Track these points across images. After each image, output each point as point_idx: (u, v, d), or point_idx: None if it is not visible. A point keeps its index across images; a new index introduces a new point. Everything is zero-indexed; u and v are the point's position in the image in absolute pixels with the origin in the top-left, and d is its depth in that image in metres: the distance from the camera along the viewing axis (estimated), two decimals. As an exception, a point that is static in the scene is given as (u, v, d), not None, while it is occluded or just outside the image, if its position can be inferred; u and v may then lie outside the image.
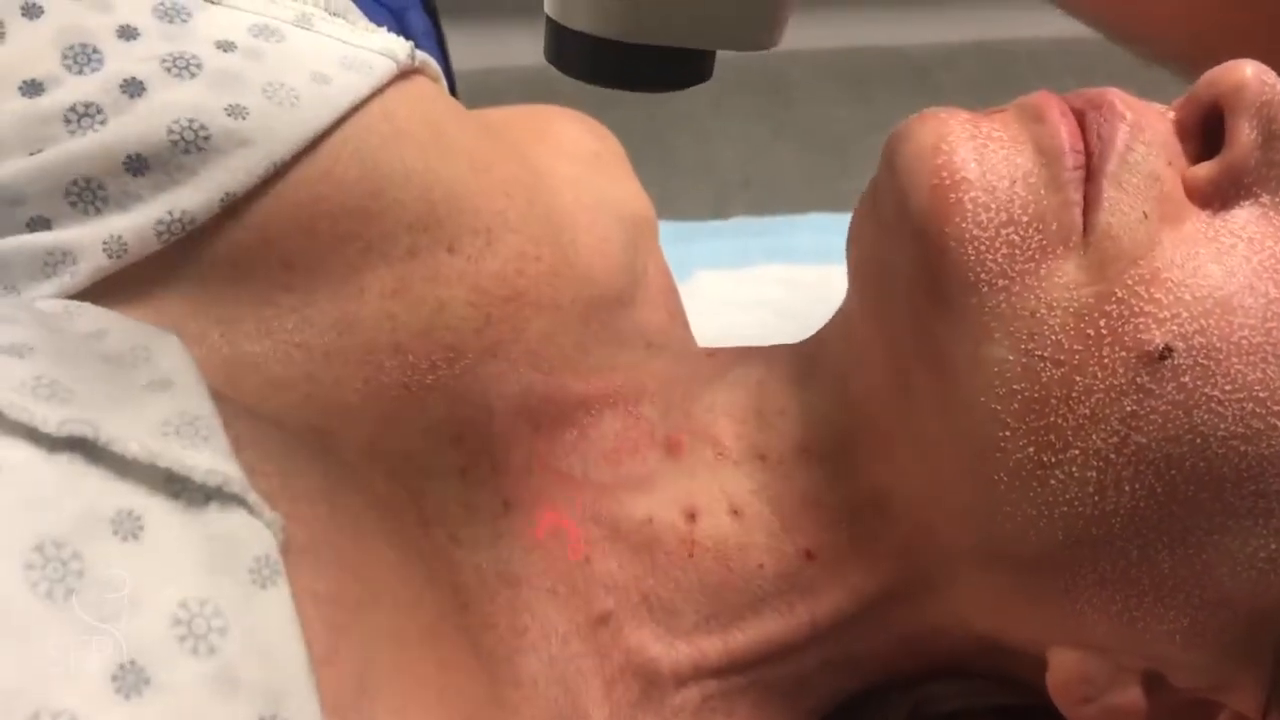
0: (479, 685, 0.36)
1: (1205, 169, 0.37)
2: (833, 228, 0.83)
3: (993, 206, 0.36)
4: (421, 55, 0.45)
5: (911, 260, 0.37)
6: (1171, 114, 0.39)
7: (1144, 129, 0.37)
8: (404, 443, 0.40)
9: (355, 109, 0.41)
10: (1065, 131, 0.37)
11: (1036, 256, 0.36)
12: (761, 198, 1.65)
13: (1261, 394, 0.34)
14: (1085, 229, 0.36)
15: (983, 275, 0.36)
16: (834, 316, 0.44)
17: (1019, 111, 0.38)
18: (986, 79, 1.83)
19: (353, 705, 0.31)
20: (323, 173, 0.40)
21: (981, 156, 0.37)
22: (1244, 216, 0.36)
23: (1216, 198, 0.37)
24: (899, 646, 0.42)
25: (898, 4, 1.91)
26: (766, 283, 0.76)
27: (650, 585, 0.41)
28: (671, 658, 0.41)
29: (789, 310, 0.72)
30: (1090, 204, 0.36)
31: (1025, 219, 0.36)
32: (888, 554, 0.40)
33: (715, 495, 0.41)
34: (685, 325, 0.53)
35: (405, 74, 0.44)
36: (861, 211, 0.41)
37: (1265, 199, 0.37)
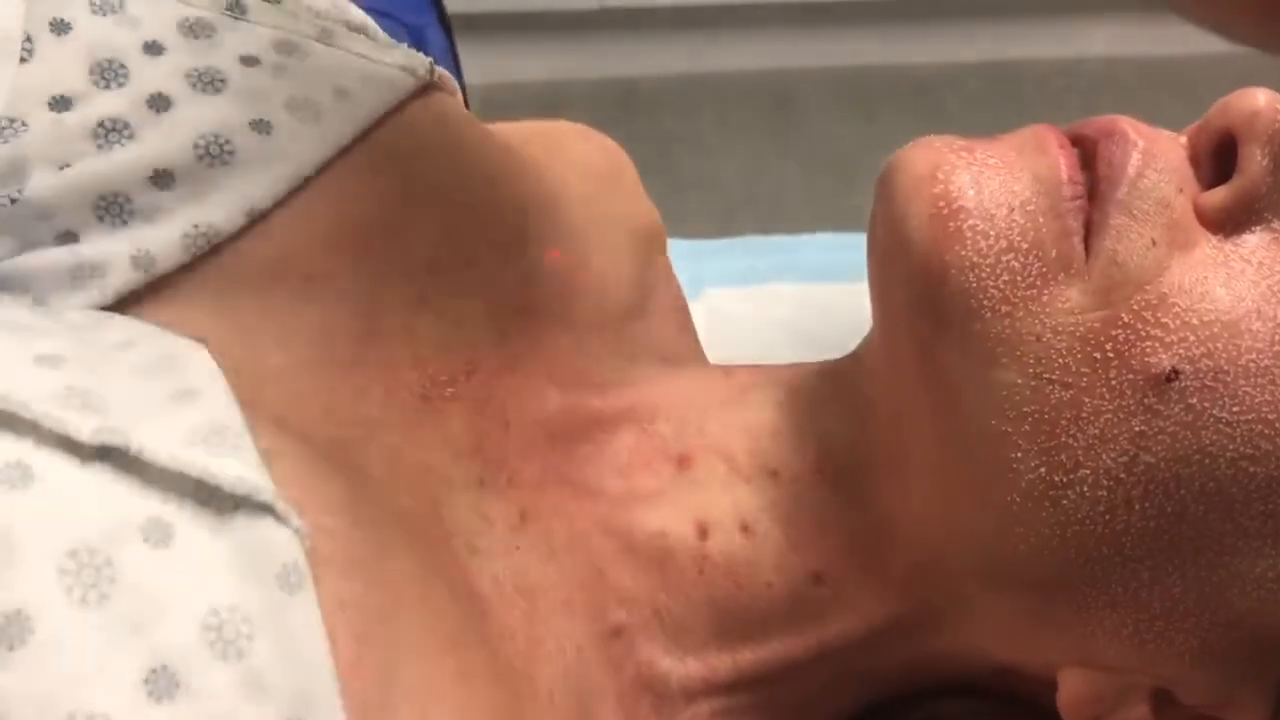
0: (499, 697, 0.36)
1: (1217, 195, 0.37)
2: (839, 246, 0.83)
3: (992, 234, 0.36)
4: (440, 71, 0.46)
5: (912, 288, 0.37)
6: (1184, 140, 0.39)
7: (1156, 156, 0.37)
8: (424, 454, 0.41)
9: (376, 124, 0.42)
10: (1064, 163, 0.37)
11: (1038, 283, 0.36)
12: (766, 215, 1.66)
13: (1270, 415, 0.35)
14: (1089, 255, 0.36)
15: (985, 302, 0.36)
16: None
17: (1016, 141, 0.38)
18: (991, 98, 1.84)
19: (377, 713, 0.31)
20: (344, 187, 0.41)
21: (978, 184, 0.37)
22: (1254, 241, 0.37)
23: (1228, 223, 0.37)
24: (909, 668, 0.43)
25: (903, 23, 1.92)
26: (775, 300, 0.77)
27: (662, 600, 0.41)
28: (681, 673, 0.41)
29: (798, 328, 0.72)
30: (1095, 231, 0.36)
31: (1025, 246, 0.36)
32: (897, 582, 0.40)
33: (726, 510, 0.42)
34: (695, 339, 0.53)
35: (424, 89, 0.44)
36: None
37: (1276, 225, 0.37)
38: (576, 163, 0.53)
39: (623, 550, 0.42)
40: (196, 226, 0.38)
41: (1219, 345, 0.35)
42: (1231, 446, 0.35)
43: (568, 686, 0.39)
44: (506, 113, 0.60)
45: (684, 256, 0.59)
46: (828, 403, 0.42)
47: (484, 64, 1.76)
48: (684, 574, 0.41)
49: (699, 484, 0.42)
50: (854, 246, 0.41)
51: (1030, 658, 0.40)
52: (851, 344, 0.44)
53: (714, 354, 0.53)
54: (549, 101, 1.75)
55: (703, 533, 0.41)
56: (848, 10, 1.88)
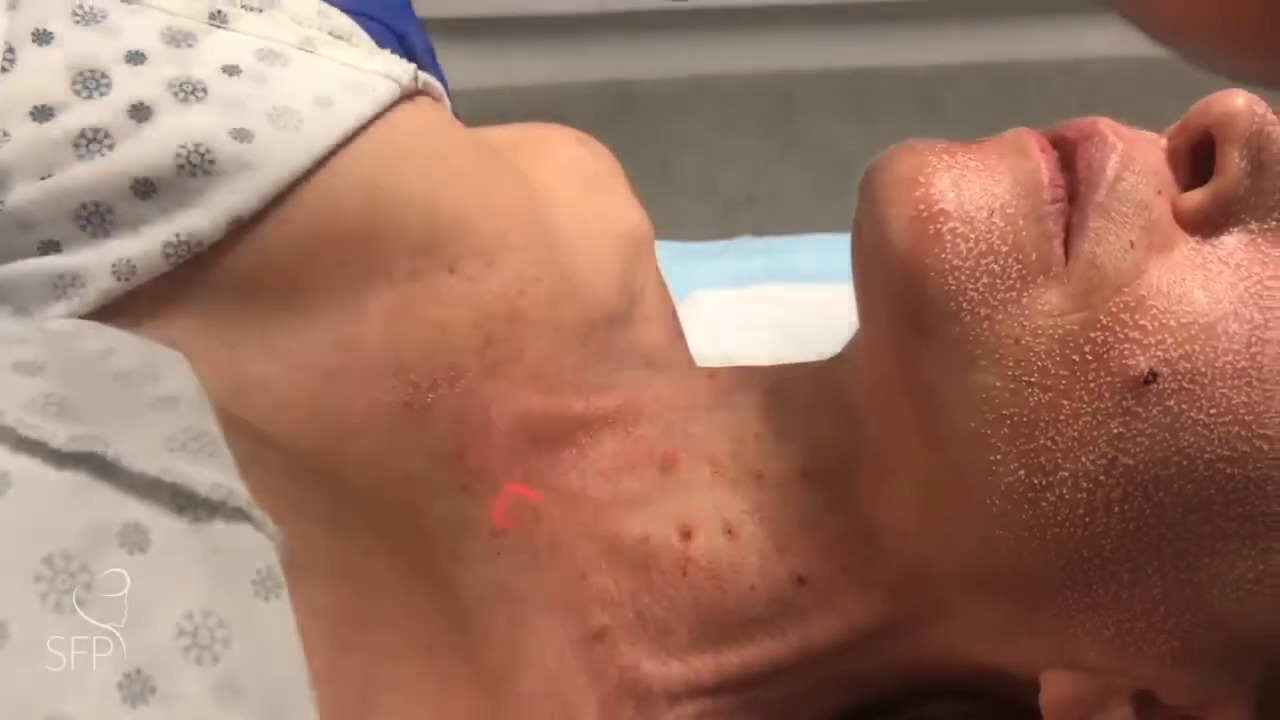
0: (478, 704, 0.36)
1: (1195, 197, 0.37)
2: (835, 247, 0.83)
3: (971, 237, 0.36)
4: (424, 76, 0.46)
5: (892, 291, 0.38)
6: (1164, 142, 0.39)
7: (1134, 158, 0.37)
8: (406, 461, 0.41)
9: (358, 132, 0.42)
10: (1045, 166, 0.37)
11: (1017, 286, 0.36)
12: (765, 217, 1.66)
13: (1246, 417, 0.35)
14: (1068, 258, 0.36)
15: (964, 304, 0.36)
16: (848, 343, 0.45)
17: (997, 145, 0.39)
18: (990, 100, 1.84)
19: None
20: (326, 196, 0.41)
21: (959, 187, 0.37)
22: (1232, 243, 0.37)
23: (1206, 225, 0.37)
24: (894, 670, 0.43)
25: (902, 25, 1.91)
26: (768, 302, 0.77)
27: (645, 603, 0.41)
28: (665, 676, 0.41)
29: (791, 330, 0.72)
30: (1074, 233, 0.37)
31: (1004, 249, 0.36)
32: (880, 585, 0.40)
33: (710, 514, 0.42)
34: (683, 343, 0.53)
35: (408, 95, 0.44)
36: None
37: (1254, 226, 0.37)
38: (564, 166, 0.53)
39: (606, 553, 0.42)
40: (178, 236, 0.38)
41: (1196, 347, 0.35)
42: (1209, 448, 0.35)
43: (549, 691, 0.39)
44: (506, 116, 0.60)
45: (675, 259, 0.59)
46: (812, 405, 0.43)
47: (483, 67, 1.76)
48: (667, 577, 0.41)
49: (683, 486, 0.42)
50: (847, 248, 0.41)
51: (1014, 659, 0.40)
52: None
53: (705, 358, 0.53)
54: (548, 104, 1.75)
55: (686, 535, 0.41)
56: (848, 11, 1.88)
